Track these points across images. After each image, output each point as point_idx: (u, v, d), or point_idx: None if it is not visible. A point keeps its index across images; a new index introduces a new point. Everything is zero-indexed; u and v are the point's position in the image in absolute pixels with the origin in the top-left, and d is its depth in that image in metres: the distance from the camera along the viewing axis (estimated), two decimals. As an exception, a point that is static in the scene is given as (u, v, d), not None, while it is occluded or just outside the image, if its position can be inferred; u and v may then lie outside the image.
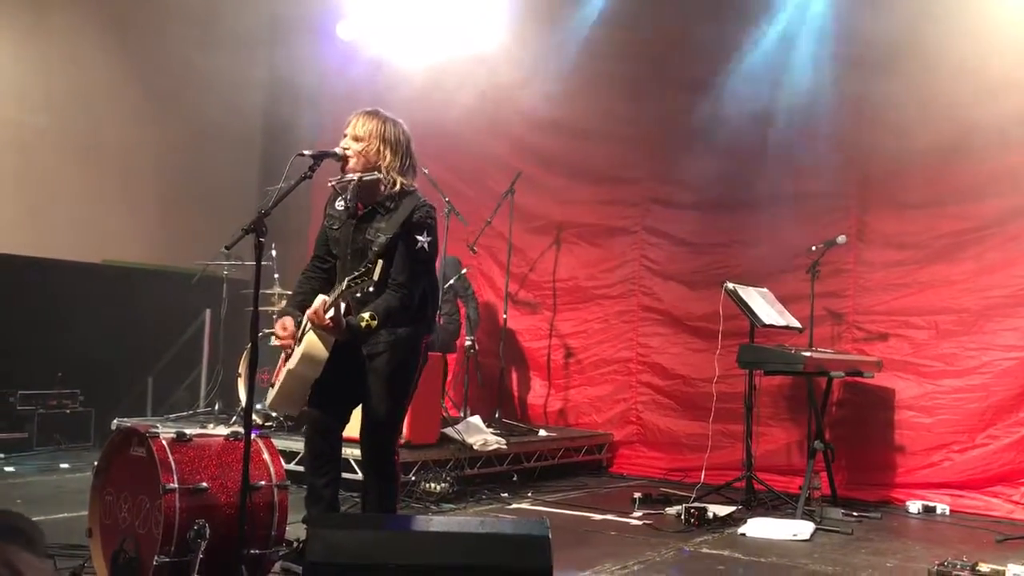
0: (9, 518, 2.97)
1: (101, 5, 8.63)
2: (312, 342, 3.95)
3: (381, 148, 4.05)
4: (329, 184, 4.18)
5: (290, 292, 4.77)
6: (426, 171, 6.91)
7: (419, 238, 4.00)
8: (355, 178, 4.04)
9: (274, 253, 7.71)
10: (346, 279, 3.74)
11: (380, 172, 4.04)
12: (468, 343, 7.98)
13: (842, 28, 7.56)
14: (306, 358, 3.95)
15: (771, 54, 7.77)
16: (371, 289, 3.71)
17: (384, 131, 4.06)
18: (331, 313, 3.84)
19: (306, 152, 3.89)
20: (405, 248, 3.95)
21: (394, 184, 4.05)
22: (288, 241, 8.62)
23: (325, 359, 3.96)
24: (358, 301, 3.90)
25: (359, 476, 5.09)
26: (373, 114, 4.10)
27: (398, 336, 4.05)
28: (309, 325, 3.98)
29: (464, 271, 7.98)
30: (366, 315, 3.84)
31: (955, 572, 4.60)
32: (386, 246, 3.91)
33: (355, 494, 5.49)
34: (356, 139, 4.06)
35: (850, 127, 7.49)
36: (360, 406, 4.18)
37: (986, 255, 6.94)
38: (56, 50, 8.33)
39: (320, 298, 3.95)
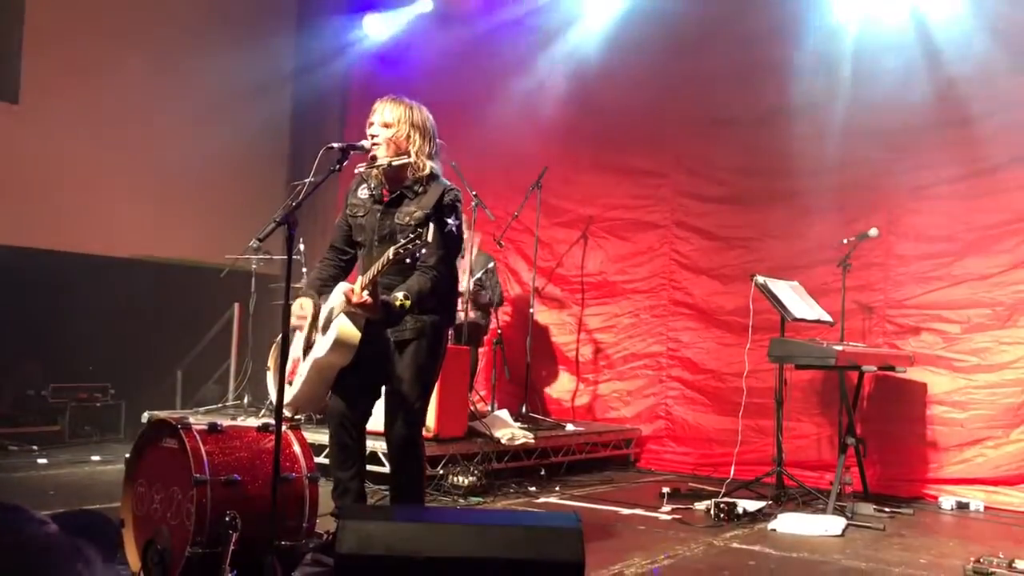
0: (88, 517, 2.99)
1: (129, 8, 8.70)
2: (344, 328, 3.93)
3: (411, 133, 4.08)
4: (357, 172, 4.19)
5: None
6: (454, 164, 6.90)
7: (449, 221, 4.01)
8: (385, 163, 4.05)
9: (302, 247, 7.74)
10: (391, 248, 3.68)
11: (411, 157, 4.06)
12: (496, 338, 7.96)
13: (876, 23, 7.48)
14: (338, 344, 3.93)
15: (807, 48, 7.66)
16: (424, 251, 3.68)
17: (412, 116, 4.10)
18: (368, 291, 3.82)
19: (335, 145, 3.89)
20: (436, 230, 3.89)
21: (423, 168, 4.07)
22: (316, 235, 8.63)
23: (357, 344, 3.95)
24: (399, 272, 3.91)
25: (386, 469, 5.10)
26: (398, 100, 4.13)
27: (425, 323, 4.07)
28: (337, 312, 3.97)
29: (491, 265, 7.91)
30: (399, 295, 3.83)
31: (992, 569, 4.53)
32: (422, 224, 3.87)
33: (383, 487, 5.50)
34: (385, 125, 4.08)
35: (883, 119, 7.39)
36: (383, 397, 4.19)
37: (1021, 248, 6.83)
38: (94, 52, 8.40)
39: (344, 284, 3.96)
